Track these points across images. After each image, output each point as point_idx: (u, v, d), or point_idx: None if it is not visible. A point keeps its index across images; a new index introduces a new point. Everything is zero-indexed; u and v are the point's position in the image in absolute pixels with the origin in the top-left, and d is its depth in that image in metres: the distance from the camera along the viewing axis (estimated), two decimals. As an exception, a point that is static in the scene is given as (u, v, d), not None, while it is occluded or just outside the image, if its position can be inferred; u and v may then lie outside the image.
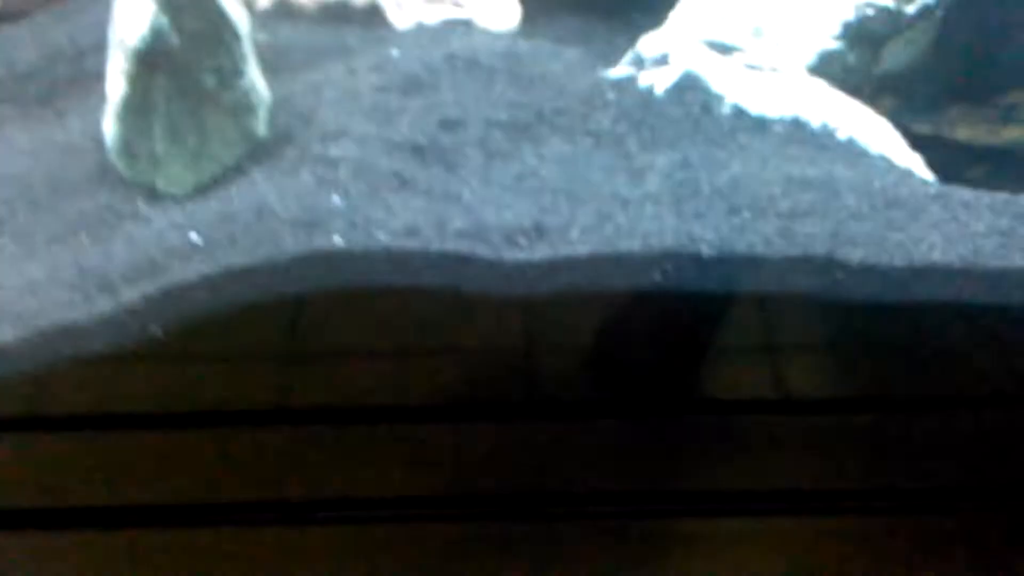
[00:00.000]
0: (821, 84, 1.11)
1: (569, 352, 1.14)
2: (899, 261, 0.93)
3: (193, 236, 0.95)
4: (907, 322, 1.00)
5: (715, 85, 1.08)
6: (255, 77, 1.04)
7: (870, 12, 1.14)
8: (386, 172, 0.99)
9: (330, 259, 0.93)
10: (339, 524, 1.14)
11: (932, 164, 1.07)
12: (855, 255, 0.94)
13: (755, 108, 1.07)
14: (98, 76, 1.07)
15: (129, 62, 0.98)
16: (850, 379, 1.10)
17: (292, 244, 0.93)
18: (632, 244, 0.95)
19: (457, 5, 1.22)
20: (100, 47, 1.08)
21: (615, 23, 1.26)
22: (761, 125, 1.06)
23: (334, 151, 1.00)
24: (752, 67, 1.10)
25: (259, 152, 1.03)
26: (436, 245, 0.94)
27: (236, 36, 1.00)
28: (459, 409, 1.12)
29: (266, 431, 1.22)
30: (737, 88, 1.08)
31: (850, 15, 1.13)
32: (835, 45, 1.13)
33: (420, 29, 1.20)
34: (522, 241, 0.95)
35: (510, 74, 1.10)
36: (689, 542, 1.12)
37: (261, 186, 0.99)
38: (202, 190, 1.01)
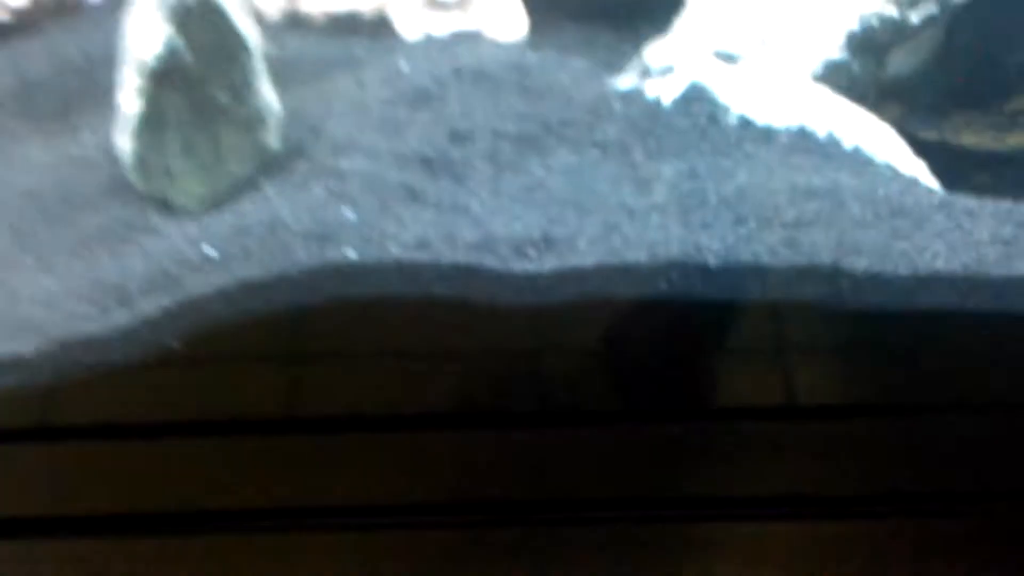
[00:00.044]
0: (827, 92, 1.11)
1: (574, 358, 1.15)
2: (903, 270, 0.95)
3: (208, 249, 0.97)
4: (912, 329, 1.01)
5: (721, 95, 1.09)
6: (267, 92, 1.05)
7: (874, 22, 1.14)
8: (396, 185, 1.00)
9: (342, 271, 0.94)
10: (340, 531, 1.14)
11: (937, 170, 1.07)
12: (860, 264, 0.95)
13: (761, 118, 1.08)
14: (111, 89, 1.08)
15: (143, 79, 0.99)
16: (856, 385, 1.11)
17: (305, 257, 0.94)
18: (639, 254, 0.96)
19: (464, 15, 1.23)
20: (112, 60, 1.09)
21: (621, 31, 1.27)
22: (767, 135, 1.07)
23: (345, 164, 1.02)
24: (758, 76, 1.11)
25: (271, 166, 1.04)
26: (446, 257, 0.95)
27: (248, 52, 1.02)
28: (462, 416, 1.13)
29: (271, 438, 1.22)
30: (743, 98, 1.09)
31: (855, 25, 1.14)
32: (840, 54, 1.14)
33: (428, 40, 1.21)
34: (531, 252, 0.96)
35: (518, 86, 1.11)
36: (691, 547, 1.13)
37: (274, 199, 1.00)
38: (216, 204, 1.02)
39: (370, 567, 1.16)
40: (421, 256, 0.95)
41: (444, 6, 1.23)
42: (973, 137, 1.18)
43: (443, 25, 1.22)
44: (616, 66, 1.17)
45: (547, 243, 0.97)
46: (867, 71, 1.16)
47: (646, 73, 1.13)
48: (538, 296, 0.95)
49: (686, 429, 1.09)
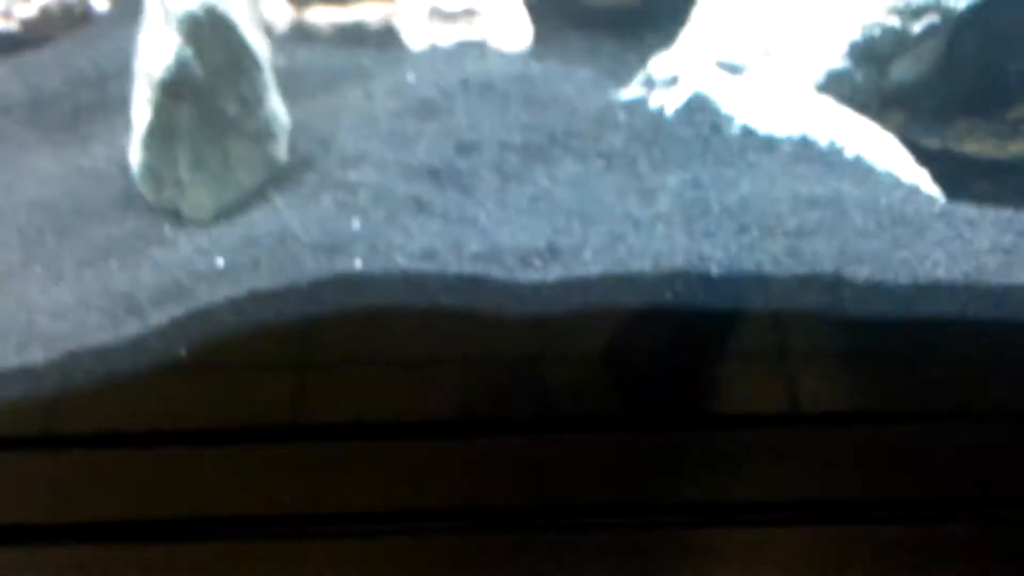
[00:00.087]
0: (829, 102, 1.12)
1: (577, 366, 1.15)
2: (905, 279, 0.95)
3: (218, 260, 0.98)
4: (913, 337, 1.02)
5: (724, 105, 1.10)
6: (276, 104, 1.06)
7: (877, 31, 1.15)
8: (404, 196, 1.01)
9: (351, 282, 0.95)
10: (345, 538, 1.15)
11: (939, 178, 1.08)
12: (862, 273, 0.96)
13: (764, 127, 1.08)
14: (121, 101, 1.09)
15: (154, 92, 1.00)
16: (857, 393, 1.12)
17: (314, 267, 0.95)
18: (643, 264, 0.97)
19: (470, 25, 1.24)
20: (122, 72, 1.10)
21: (626, 41, 1.27)
22: (770, 144, 1.08)
23: (353, 176, 1.03)
24: (761, 86, 1.12)
25: (280, 177, 1.05)
26: (453, 267, 0.96)
27: (257, 65, 1.03)
28: (465, 424, 1.14)
29: (277, 446, 1.23)
30: (746, 108, 1.09)
31: (857, 34, 1.15)
32: (843, 64, 1.15)
33: (434, 51, 1.22)
34: (536, 262, 0.97)
35: (523, 97, 1.12)
36: (691, 553, 1.13)
37: (283, 211, 1.01)
38: (226, 215, 1.03)
39: (375, 573, 1.17)
40: (428, 266, 0.96)
41: (450, 17, 1.24)
42: (975, 145, 1.19)
43: (449, 35, 1.23)
44: (620, 76, 1.18)
45: (552, 253, 0.98)
46: (870, 80, 1.16)
47: (650, 83, 1.14)
48: (543, 306, 0.96)
49: (688, 436, 1.09)
